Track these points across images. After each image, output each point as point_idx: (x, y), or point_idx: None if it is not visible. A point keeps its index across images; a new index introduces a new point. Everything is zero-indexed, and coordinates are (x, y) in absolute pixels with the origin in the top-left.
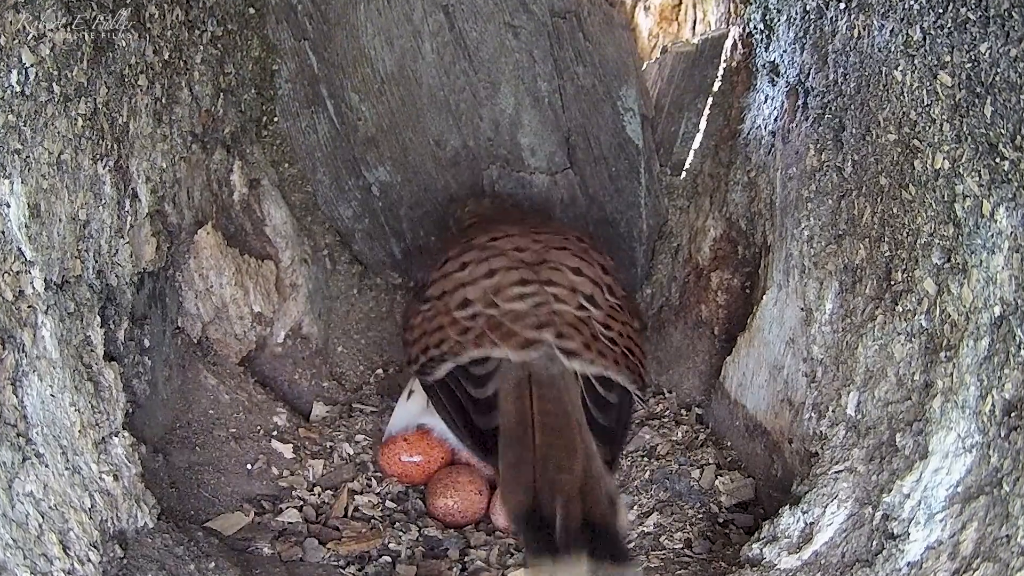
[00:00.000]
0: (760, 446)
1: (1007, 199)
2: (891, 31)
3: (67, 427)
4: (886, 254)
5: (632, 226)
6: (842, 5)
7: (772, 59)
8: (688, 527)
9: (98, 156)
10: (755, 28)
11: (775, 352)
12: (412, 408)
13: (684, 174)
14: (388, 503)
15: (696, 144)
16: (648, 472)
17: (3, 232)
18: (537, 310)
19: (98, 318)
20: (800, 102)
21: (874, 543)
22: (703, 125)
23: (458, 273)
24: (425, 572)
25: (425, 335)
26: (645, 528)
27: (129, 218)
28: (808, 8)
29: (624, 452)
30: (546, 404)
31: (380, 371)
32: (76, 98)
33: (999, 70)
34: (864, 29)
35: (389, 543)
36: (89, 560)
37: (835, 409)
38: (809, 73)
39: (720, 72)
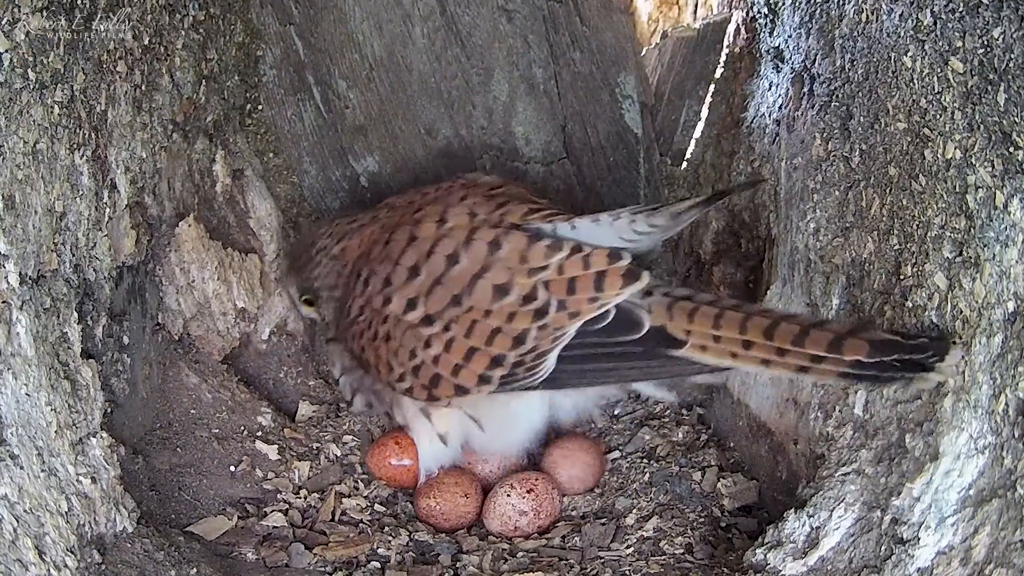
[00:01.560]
0: (764, 447)
1: (1021, 190)
2: (900, 15)
3: (43, 427)
4: (895, 247)
5: None
6: None
7: (777, 44)
8: (689, 532)
9: (75, 145)
10: (759, 12)
11: None
12: (439, 448)
13: (685, 164)
14: (377, 507)
15: (697, 133)
16: (647, 474)
17: None
18: (572, 253)
19: (75, 314)
20: (806, 89)
21: (883, 548)
22: (705, 113)
23: (433, 274)
24: None
25: (475, 353)
26: (644, 532)
27: (107, 210)
28: None
29: (622, 453)
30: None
31: None
32: (52, 85)
33: (1013, 56)
34: (872, 13)
35: (378, 548)
36: (66, 566)
37: (842, 409)
38: (815, 59)
39: (722, 58)
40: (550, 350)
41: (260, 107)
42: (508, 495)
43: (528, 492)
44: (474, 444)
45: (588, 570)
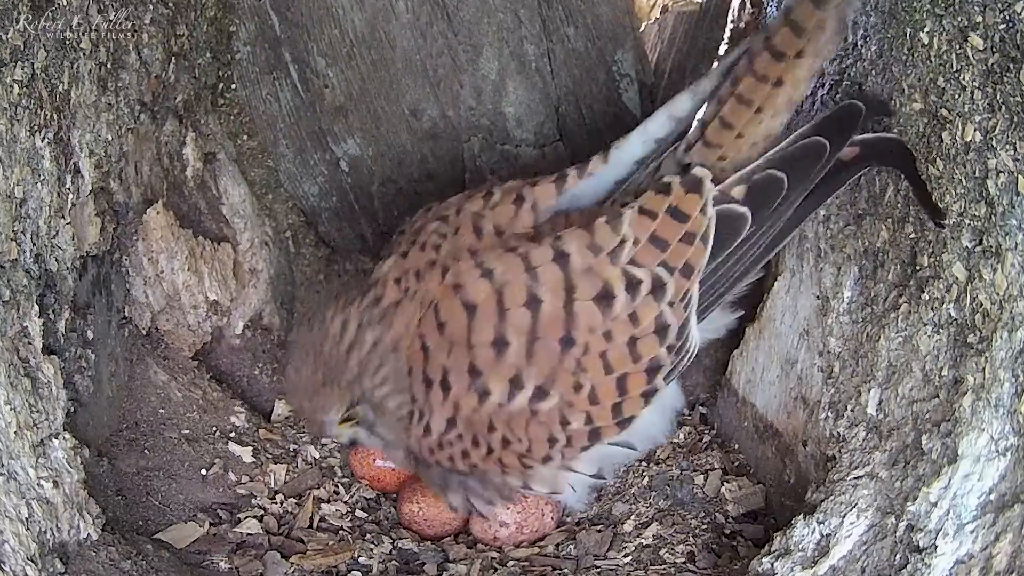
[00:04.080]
0: (771, 449)
1: None
2: None
3: (1, 428)
4: (911, 236)
5: None
6: None
7: None
8: (691, 539)
9: (36, 127)
10: None
11: (788, 345)
12: (586, 485)
13: None
14: (358, 512)
15: (700, 114)
16: (647, 478)
17: None
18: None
19: (36, 307)
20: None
21: (898, 557)
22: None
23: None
24: None
25: (628, 378)
26: (644, 540)
27: (70, 196)
28: None
29: None
30: None
31: None
32: (11, 63)
33: None
34: None
35: (359, 557)
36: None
37: (854, 408)
38: None
39: (727, 34)
40: (688, 317)
41: (233, 86)
42: None
43: (515, 503)
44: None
45: None
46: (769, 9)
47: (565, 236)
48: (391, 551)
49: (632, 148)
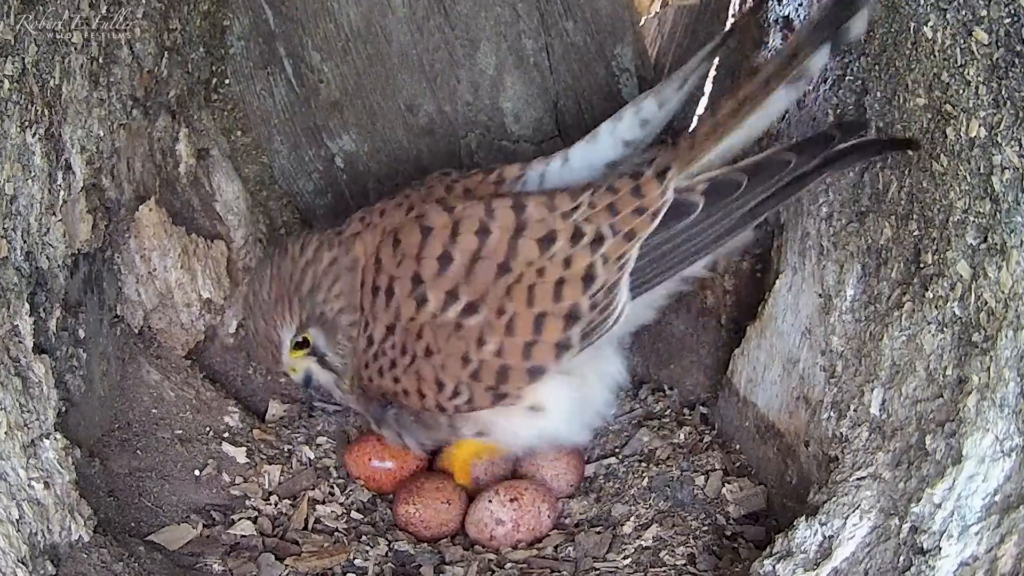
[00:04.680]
0: (772, 450)
1: None
2: None
3: None
4: (915, 233)
5: None
6: None
7: (786, 13)
8: (692, 541)
9: (27, 123)
10: None
11: (789, 344)
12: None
13: None
14: (354, 514)
15: (700, 109)
16: (647, 479)
17: None
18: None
19: (27, 305)
20: None
21: (901, 559)
22: (708, 87)
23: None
24: None
25: (545, 318)
26: (643, 542)
27: (62, 192)
28: None
29: (619, 457)
30: None
31: None
32: (1, 57)
33: None
34: None
35: (355, 559)
36: None
37: (857, 408)
38: None
39: (727, 28)
40: (620, 280)
41: (227, 81)
42: (489, 500)
43: (511, 501)
44: (545, 441)
45: None
46: (770, 3)
47: (526, 195)
48: (387, 553)
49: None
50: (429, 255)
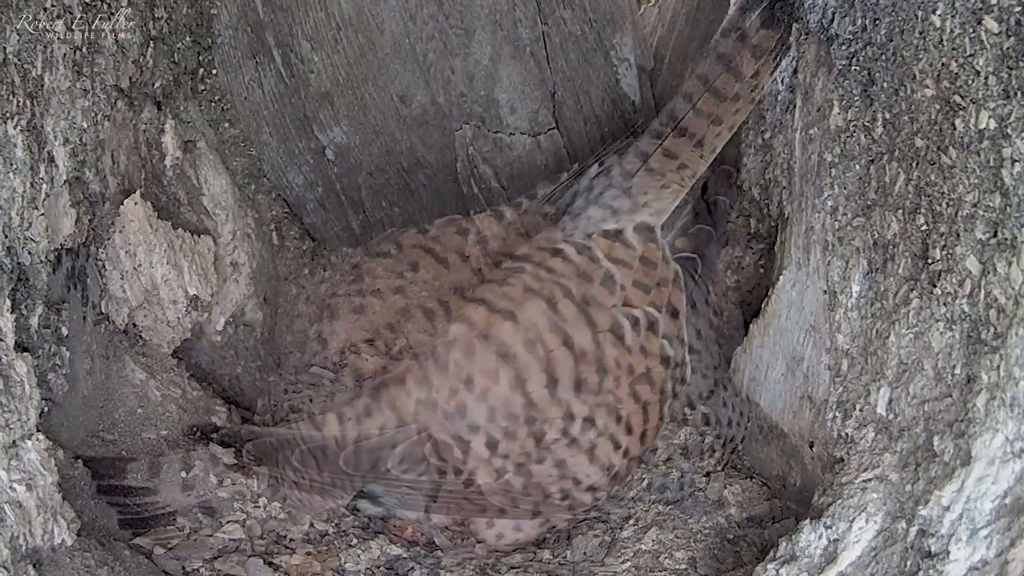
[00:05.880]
0: (776, 450)
1: None
2: None
3: None
4: (922, 228)
5: None
6: None
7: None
8: (692, 544)
9: (7, 114)
10: None
11: (793, 341)
12: None
13: None
14: (345, 517)
15: None
16: (646, 480)
17: None
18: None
19: (8, 302)
20: (823, 51)
21: (908, 563)
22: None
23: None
24: None
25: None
26: (643, 545)
27: (44, 186)
28: None
29: None
30: None
31: None
32: None
33: None
34: None
35: (346, 563)
36: None
37: (863, 408)
38: (833, 18)
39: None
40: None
41: (214, 72)
42: None
43: None
44: None
45: None
46: None
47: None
48: (379, 556)
49: None
50: (533, 380)
